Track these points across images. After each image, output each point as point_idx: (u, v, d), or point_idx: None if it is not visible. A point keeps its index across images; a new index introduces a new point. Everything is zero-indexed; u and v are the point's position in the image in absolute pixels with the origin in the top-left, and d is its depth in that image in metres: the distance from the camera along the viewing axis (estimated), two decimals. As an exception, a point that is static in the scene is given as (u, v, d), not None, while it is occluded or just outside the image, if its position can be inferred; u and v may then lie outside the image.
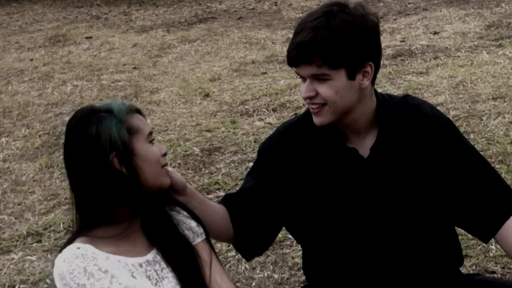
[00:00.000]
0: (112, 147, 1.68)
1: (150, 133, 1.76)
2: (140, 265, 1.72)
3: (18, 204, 4.04)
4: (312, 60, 1.75)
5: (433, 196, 1.89)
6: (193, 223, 1.84)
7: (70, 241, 1.70)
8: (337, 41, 1.74)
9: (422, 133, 1.89)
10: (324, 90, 1.78)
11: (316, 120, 1.84)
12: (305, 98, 1.82)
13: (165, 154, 1.78)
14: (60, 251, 1.68)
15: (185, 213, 1.85)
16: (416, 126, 1.90)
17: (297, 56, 1.78)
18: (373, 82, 1.87)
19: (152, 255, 1.76)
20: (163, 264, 1.75)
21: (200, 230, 1.84)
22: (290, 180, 1.94)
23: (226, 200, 2.02)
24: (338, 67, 1.76)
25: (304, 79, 1.81)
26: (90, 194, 1.70)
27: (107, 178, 1.68)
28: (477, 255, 2.91)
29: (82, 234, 1.70)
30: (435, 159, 1.88)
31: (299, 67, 1.80)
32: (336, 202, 1.90)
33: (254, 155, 4.20)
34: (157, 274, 1.73)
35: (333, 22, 1.75)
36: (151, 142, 1.75)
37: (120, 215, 1.72)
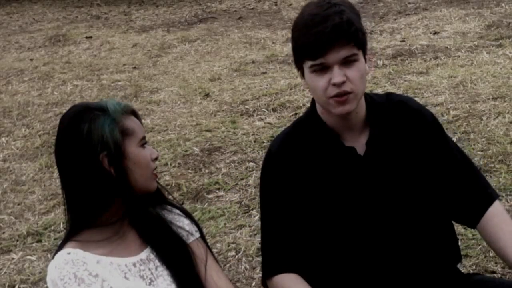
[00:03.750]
0: (103, 146, 1.66)
1: (144, 137, 1.75)
2: (134, 265, 1.71)
3: (18, 204, 4.04)
4: (351, 39, 1.76)
5: (425, 188, 1.93)
6: (186, 221, 1.83)
7: (61, 246, 1.70)
8: (360, 23, 1.81)
9: (412, 126, 1.94)
10: (353, 73, 1.79)
11: (344, 108, 1.81)
12: (338, 84, 1.77)
13: (156, 159, 1.77)
14: (52, 257, 1.68)
15: (177, 211, 1.84)
16: (405, 120, 1.95)
17: (332, 39, 1.74)
18: None
19: (145, 253, 1.75)
20: (157, 263, 1.75)
21: (194, 228, 1.83)
22: (294, 185, 1.94)
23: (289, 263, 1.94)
24: (362, 47, 1.81)
25: (324, 69, 1.78)
26: (79, 193, 1.69)
27: (95, 177, 1.67)
28: (477, 255, 2.90)
29: (73, 238, 1.70)
30: (424, 150, 1.93)
31: (329, 53, 1.76)
32: (335, 201, 1.91)
33: (254, 155, 4.21)
34: (151, 273, 1.73)
35: (346, 9, 1.79)
36: (143, 145, 1.74)
37: (111, 216, 1.71)
